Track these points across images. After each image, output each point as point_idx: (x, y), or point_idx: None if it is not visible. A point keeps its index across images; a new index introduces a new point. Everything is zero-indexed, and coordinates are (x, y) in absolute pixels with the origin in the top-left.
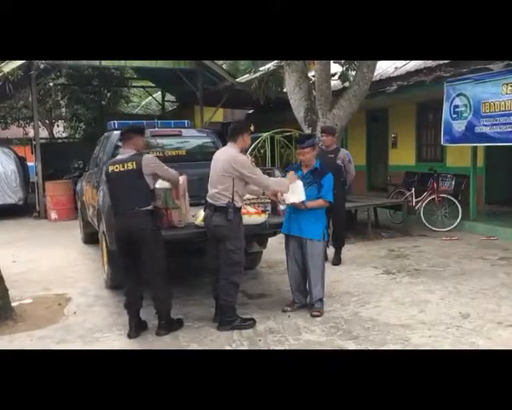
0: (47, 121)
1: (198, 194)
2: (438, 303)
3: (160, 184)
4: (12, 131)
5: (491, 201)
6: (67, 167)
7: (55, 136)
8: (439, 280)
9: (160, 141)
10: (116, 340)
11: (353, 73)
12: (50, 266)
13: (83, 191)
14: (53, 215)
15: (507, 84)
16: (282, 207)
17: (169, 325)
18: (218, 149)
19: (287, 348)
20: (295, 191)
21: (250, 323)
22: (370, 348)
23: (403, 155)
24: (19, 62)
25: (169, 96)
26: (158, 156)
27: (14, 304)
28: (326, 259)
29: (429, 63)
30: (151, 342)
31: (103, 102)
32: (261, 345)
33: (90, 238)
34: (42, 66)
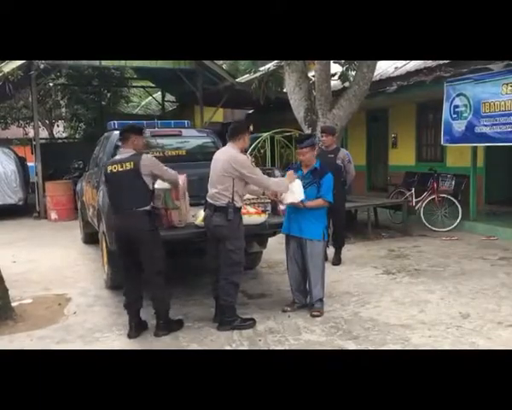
0: (47, 121)
1: (198, 194)
2: (438, 303)
3: (160, 184)
4: (12, 131)
5: (491, 201)
6: (67, 168)
7: (55, 136)
8: (439, 280)
9: (160, 141)
10: (116, 340)
11: (353, 73)
12: (50, 267)
13: (83, 191)
14: (53, 215)
15: (507, 84)
16: (282, 207)
17: (167, 325)
18: (218, 149)
19: (287, 348)
20: (294, 191)
21: (250, 323)
22: (370, 348)
23: (403, 155)
24: (19, 62)
25: (169, 96)
26: (158, 156)
27: (14, 304)
28: (326, 259)
29: (429, 63)
30: (151, 342)
31: (103, 103)
32: (261, 345)
33: (90, 238)
34: (42, 66)
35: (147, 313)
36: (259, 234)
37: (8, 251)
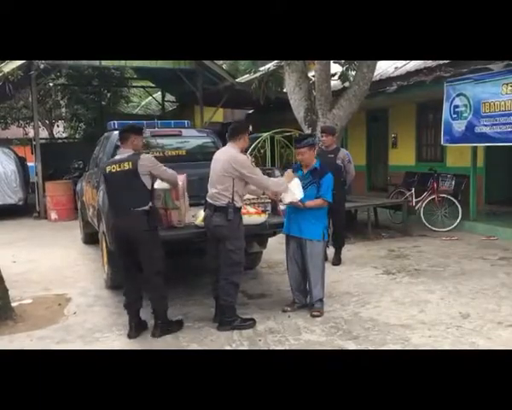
0: (47, 121)
1: (198, 194)
2: (438, 303)
3: (160, 184)
4: (12, 131)
5: (491, 201)
6: (67, 168)
7: (55, 136)
8: (439, 280)
9: (160, 141)
10: (116, 340)
11: (353, 73)
12: (50, 267)
13: (83, 191)
14: (53, 215)
15: (507, 84)
16: (282, 207)
17: (166, 325)
18: (218, 149)
19: (287, 348)
20: (293, 190)
21: (250, 323)
22: (370, 348)
23: (403, 155)
24: (19, 62)
25: (169, 96)
26: (158, 156)
27: (14, 304)
28: (326, 259)
29: (429, 63)
30: (151, 342)
31: (103, 103)
32: (261, 345)
33: (90, 238)
34: (42, 66)
35: (147, 313)
36: (259, 234)
37: (8, 251)
